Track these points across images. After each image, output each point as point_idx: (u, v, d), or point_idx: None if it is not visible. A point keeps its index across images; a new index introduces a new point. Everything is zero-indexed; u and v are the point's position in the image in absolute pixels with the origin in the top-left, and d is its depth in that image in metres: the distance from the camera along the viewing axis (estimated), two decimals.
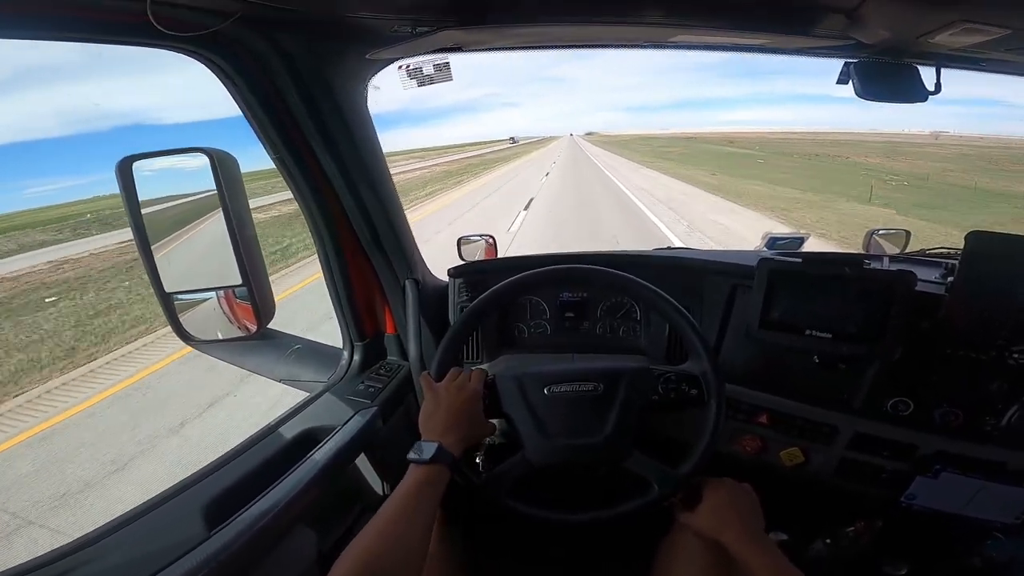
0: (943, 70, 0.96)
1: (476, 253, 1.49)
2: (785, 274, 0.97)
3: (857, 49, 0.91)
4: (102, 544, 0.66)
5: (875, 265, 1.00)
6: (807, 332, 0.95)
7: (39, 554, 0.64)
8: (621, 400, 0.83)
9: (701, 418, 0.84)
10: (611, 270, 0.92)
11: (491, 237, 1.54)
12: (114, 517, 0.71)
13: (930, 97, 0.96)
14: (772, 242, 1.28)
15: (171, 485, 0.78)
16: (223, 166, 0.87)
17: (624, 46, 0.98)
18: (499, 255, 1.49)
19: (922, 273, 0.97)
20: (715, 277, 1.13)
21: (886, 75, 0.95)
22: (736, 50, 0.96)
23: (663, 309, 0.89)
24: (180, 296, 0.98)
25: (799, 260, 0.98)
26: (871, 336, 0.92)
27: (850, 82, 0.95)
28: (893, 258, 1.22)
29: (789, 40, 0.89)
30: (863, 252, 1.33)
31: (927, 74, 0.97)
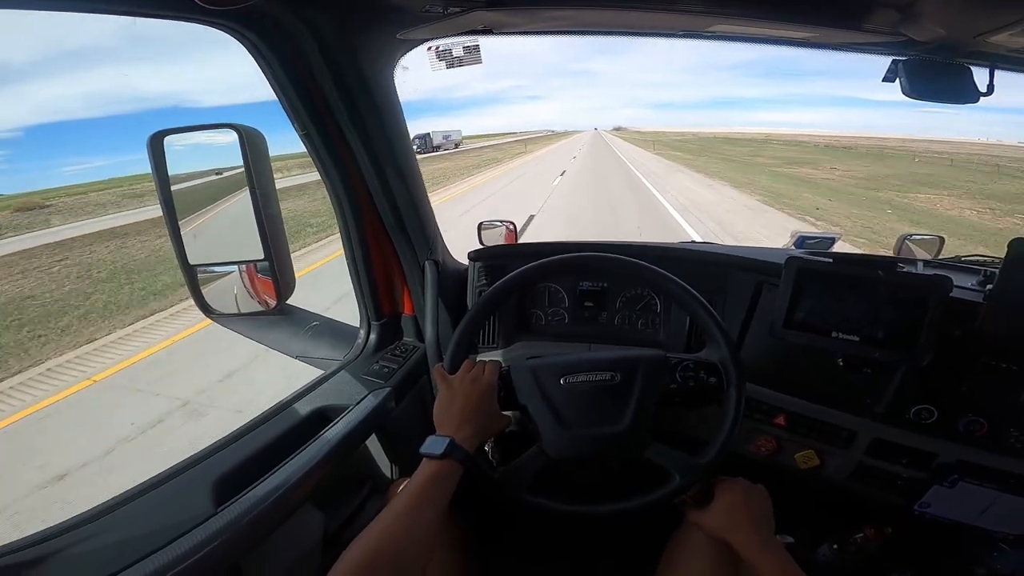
0: (996, 72, 0.91)
1: (496, 238, 1.48)
2: (814, 273, 0.94)
3: (907, 46, 0.87)
4: (109, 517, 0.67)
5: (908, 269, 0.96)
6: (833, 334, 0.93)
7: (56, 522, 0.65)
8: (639, 389, 0.82)
9: (718, 410, 0.83)
10: (628, 258, 0.90)
11: (511, 223, 1.53)
12: (121, 492, 0.72)
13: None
14: (801, 241, 1.24)
15: (181, 460, 0.79)
16: (251, 143, 0.87)
17: (658, 34, 0.94)
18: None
19: (957, 280, 0.94)
20: (740, 273, 1.10)
21: (937, 74, 0.90)
22: (777, 43, 0.92)
23: (680, 297, 0.88)
24: (203, 269, 1.00)
25: (830, 260, 0.95)
26: (901, 341, 0.89)
27: (897, 80, 0.90)
28: (927, 263, 1.18)
29: (836, 35, 0.85)
30: (894, 256, 1.29)
31: (979, 75, 0.92)
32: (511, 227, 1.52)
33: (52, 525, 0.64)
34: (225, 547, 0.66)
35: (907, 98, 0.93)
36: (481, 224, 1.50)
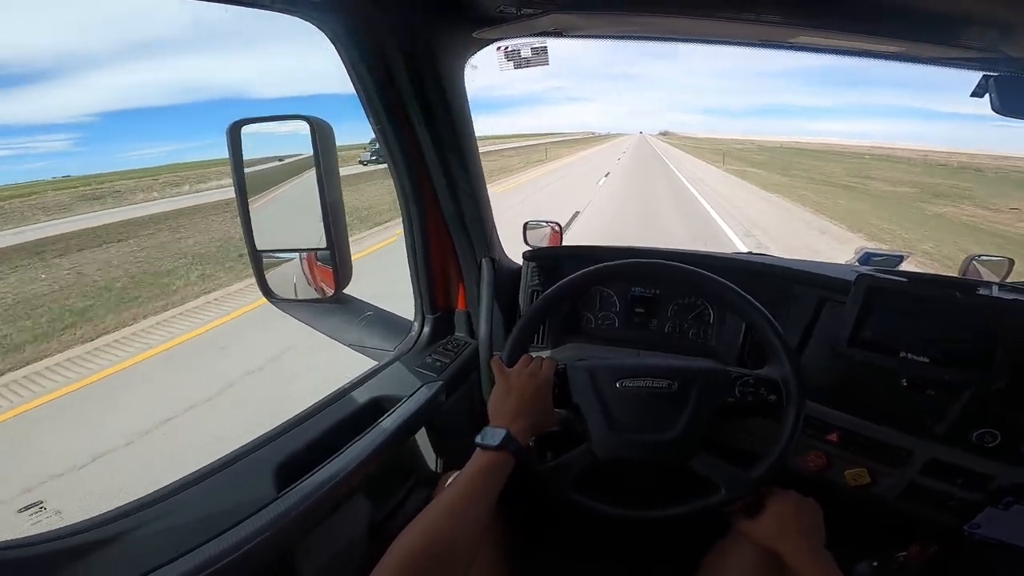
0: None
1: (542, 239, 1.48)
2: (886, 292, 0.92)
3: (1001, 62, 0.83)
4: (176, 498, 0.68)
5: (984, 291, 0.93)
6: (902, 354, 0.90)
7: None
8: (695, 400, 0.82)
9: (765, 423, 0.82)
10: (693, 268, 0.90)
11: (557, 224, 1.53)
12: (186, 474, 0.73)
13: None
14: (867, 258, 1.20)
15: (243, 444, 0.81)
16: (321, 133, 0.89)
17: (736, 43, 0.93)
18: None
19: None
20: (802, 288, 1.08)
21: None
22: (860, 56, 0.89)
23: (744, 310, 0.86)
24: (268, 254, 1.03)
25: (905, 279, 0.93)
26: (975, 364, 0.87)
27: (986, 96, 0.87)
28: (1002, 286, 1.14)
29: (928, 49, 0.82)
30: (961, 277, 1.24)
31: None
32: (556, 228, 1.52)
33: (119, 506, 0.66)
34: (283, 533, 0.67)
35: (992, 113, 0.89)
36: (527, 224, 1.50)
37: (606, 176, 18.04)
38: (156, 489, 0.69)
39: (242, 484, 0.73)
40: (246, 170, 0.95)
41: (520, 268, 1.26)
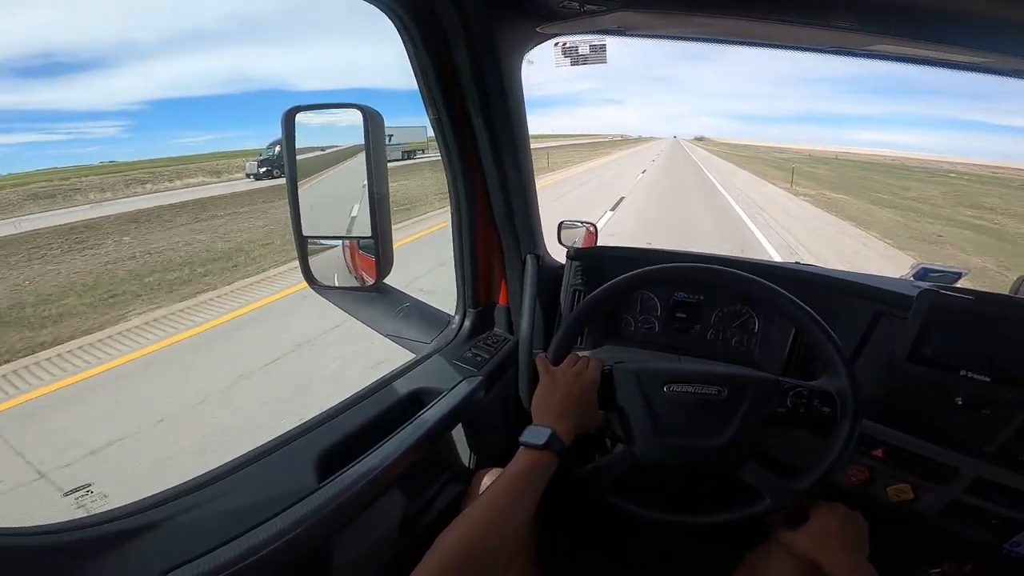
0: None
1: (576, 239, 1.47)
2: (949, 309, 0.89)
3: None
4: (219, 485, 0.68)
5: None
6: (962, 372, 0.88)
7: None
8: (745, 408, 0.80)
9: (816, 438, 0.81)
10: (748, 275, 0.88)
11: (592, 224, 1.51)
12: (230, 459, 0.72)
13: None
14: (924, 273, 1.17)
15: (284, 432, 0.80)
16: (373, 123, 0.89)
17: (807, 49, 0.90)
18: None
19: None
20: (856, 300, 1.05)
21: None
22: (938, 66, 0.86)
23: (801, 321, 0.85)
24: (313, 241, 1.04)
25: (970, 297, 0.91)
26: None
27: None
28: None
29: (1012, 61, 0.79)
30: (1013, 295, 1.21)
31: None
32: (591, 229, 1.51)
33: (156, 492, 0.65)
34: (322, 524, 0.66)
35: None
36: (562, 224, 1.49)
37: (611, 211, 10.08)
38: (195, 476, 0.69)
39: (282, 474, 0.72)
40: (305, 156, 0.96)
41: (560, 266, 1.25)
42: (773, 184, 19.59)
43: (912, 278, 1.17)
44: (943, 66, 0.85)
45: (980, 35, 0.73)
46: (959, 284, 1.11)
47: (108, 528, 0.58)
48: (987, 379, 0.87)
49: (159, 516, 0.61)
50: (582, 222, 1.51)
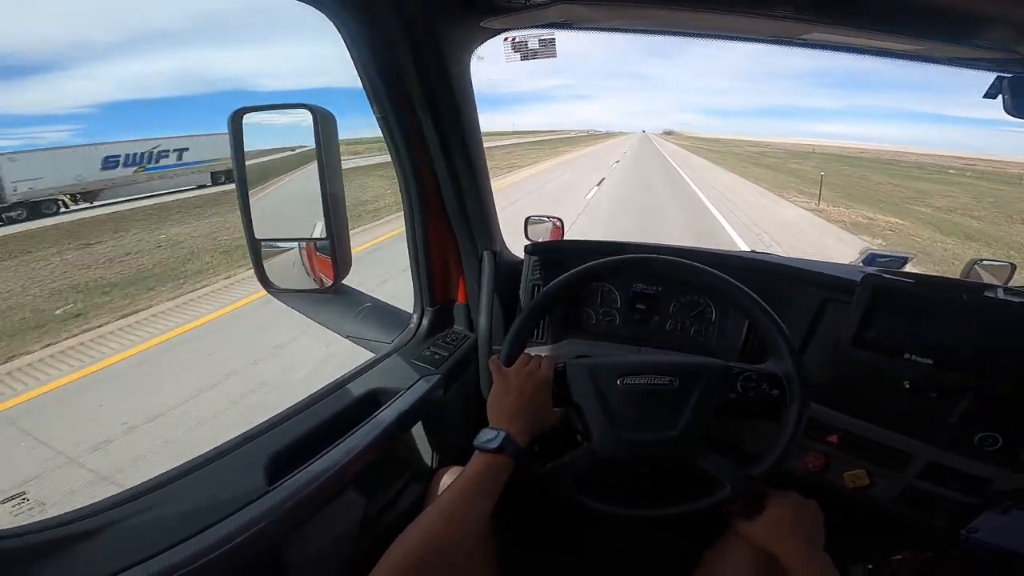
0: None
1: (543, 234, 1.47)
2: (892, 293, 0.91)
3: (1017, 63, 0.82)
4: (166, 490, 0.67)
5: (990, 295, 0.93)
6: (906, 356, 0.90)
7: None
8: (697, 397, 0.81)
9: (769, 423, 0.81)
10: (695, 263, 0.89)
11: (559, 219, 1.51)
12: (178, 464, 0.72)
13: None
14: (872, 258, 1.19)
15: (236, 435, 0.80)
16: (323, 123, 0.88)
17: (748, 39, 0.91)
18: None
19: None
20: (805, 287, 1.07)
21: None
22: (874, 54, 0.87)
23: (748, 307, 0.86)
24: (267, 244, 1.02)
25: (911, 280, 0.92)
26: (979, 367, 0.87)
27: (999, 97, 0.85)
28: (1008, 290, 1.13)
29: (943, 49, 0.80)
30: (964, 279, 1.24)
31: None
32: (558, 223, 1.51)
33: (104, 498, 0.65)
34: (275, 526, 0.66)
35: (1006, 117, 0.88)
36: (528, 219, 1.49)
37: None
38: (143, 481, 0.68)
39: (232, 477, 0.72)
40: (247, 161, 0.94)
41: (520, 262, 1.25)
42: (788, 201, 13.32)
43: (861, 263, 1.19)
44: (882, 55, 0.87)
45: (909, 22, 0.74)
46: (906, 268, 1.14)
47: (54, 533, 0.58)
48: (930, 362, 0.88)
49: (106, 520, 0.61)
50: (548, 217, 1.51)
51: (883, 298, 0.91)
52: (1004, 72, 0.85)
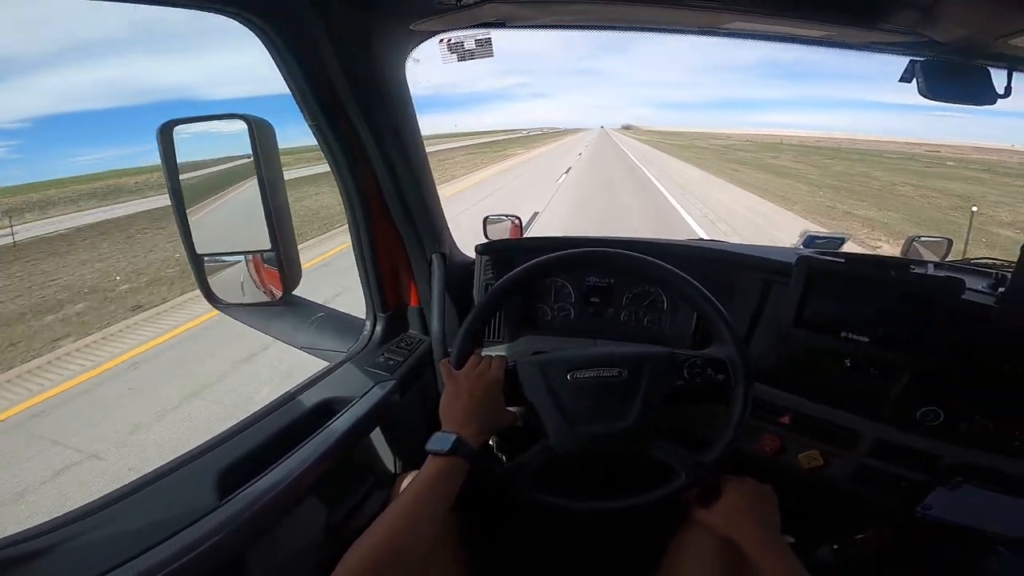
0: (1015, 74, 0.90)
1: (502, 232, 1.48)
2: (825, 273, 0.94)
3: (926, 47, 0.86)
4: (110, 510, 0.66)
5: (919, 271, 0.96)
6: (843, 334, 0.93)
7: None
8: (646, 386, 0.81)
9: (725, 409, 0.83)
10: (636, 254, 0.90)
11: (517, 217, 1.52)
12: (123, 484, 0.71)
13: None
14: (810, 240, 1.23)
15: (185, 451, 0.78)
16: (260, 133, 0.87)
17: (674, 31, 0.93)
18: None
19: (968, 282, 0.94)
20: (749, 272, 1.10)
21: (954, 75, 0.89)
22: (793, 42, 0.91)
23: (688, 294, 0.87)
24: (210, 258, 1.00)
25: (841, 260, 0.95)
26: (911, 342, 0.89)
27: (914, 80, 0.89)
28: (938, 265, 1.17)
29: (854, 34, 0.84)
30: (903, 257, 1.28)
31: (997, 76, 0.91)
32: (516, 221, 1.52)
33: (52, 518, 0.63)
34: (229, 540, 0.66)
35: (924, 100, 0.92)
36: (487, 218, 1.49)
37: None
38: (87, 502, 0.67)
39: (181, 493, 0.71)
40: (182, 174, 0.92)
41: (472, 262, 1.26)
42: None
43: (801, 246, 1.23)
44: (799, 42, 0.90)
45: (822, 8, 0.77)
46: (843, 249, 1.18)
47: (2, 555, 0.56)
48: (867, 340, 0.91)
49: (54, 540, 0.60)
50: (507, 215, 1.52)
51: (817, 278, 0.94)
52: (916, 56, 0.89)
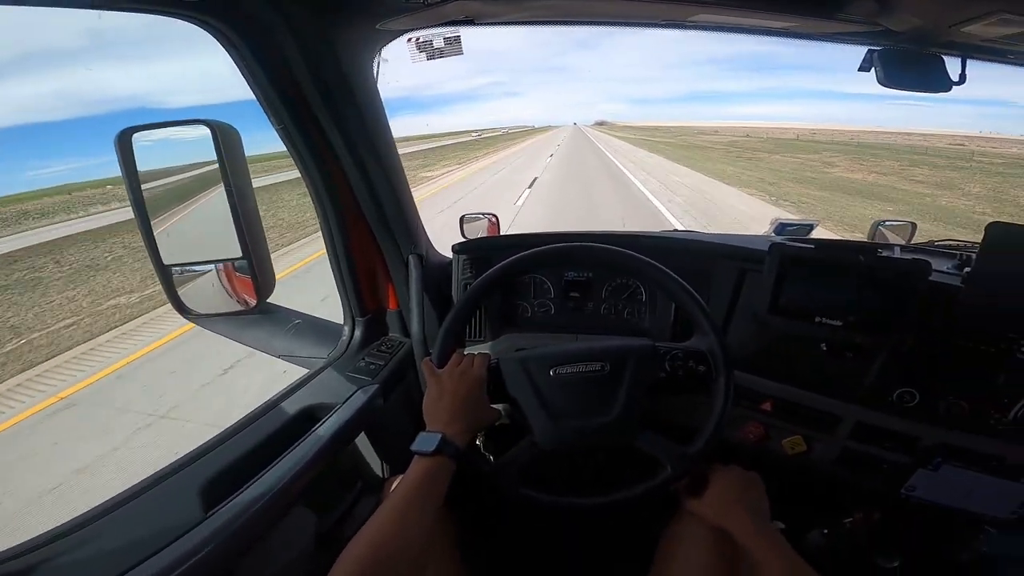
0: (968, 62, 0.93)
1: (479, 231, 1.47)
2: (797, 259, 0.95)
3: (882, 36, 0.88)
4: (91, 528, 0.65)
5: (887, 254, 0.99)
6: (817, 319, 0.94)
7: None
8: (629, 379, 0.82)
9: (708, 399, 0.83)
10: (614, 247, 0.90)
11: (494, 215, 1.52)
12: (106, 499, 0.69)
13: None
14: (781, 228, 1.25)
15: (167, 464, 0.77)
16: (225, 138, 0.84)
17: (641, 24, 0.94)
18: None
19: (934, 264, 0.96)
20: (724, 261, 1.11)
21: (910, 64, 0.91)
22: (755, 33, 0.92)
23: (667, 286, 0.88)
24: (179, 269, 0.97)
25: (812, 246, 0.97)
26: (882, 325, 0.91)
27: (872, 70, 0.92)
28: (905, 248, 1.20)
29: (814, 24, 0.85)
30: (870, 241, 1.32)
31: (951, 64, 0.94)
32: (493, 219, 1.51)
33: (32, 537, 0.62)
34: (216, 553, 0.64)
35: (883, 90, 0.94)
36: (463, 217, 1.48)
37: None
38: (67, 520, 0.65)
39: (165, 507, 0.69)
40: (144, 183, 0.89)
41: (450, 262, 1.25)
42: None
43: (773, 234, 1.25)
44: (761, 33, 0.92)
45: (783, 1, 0.78)
46: (813, 235, 1.21)
47: None
48: (840, 324, 0.93)
49: (35, 560, 0.59)
50: (483, 214, 1.51)
51: (789, 265, 0.95)
52: (874, 45, 0.91)
